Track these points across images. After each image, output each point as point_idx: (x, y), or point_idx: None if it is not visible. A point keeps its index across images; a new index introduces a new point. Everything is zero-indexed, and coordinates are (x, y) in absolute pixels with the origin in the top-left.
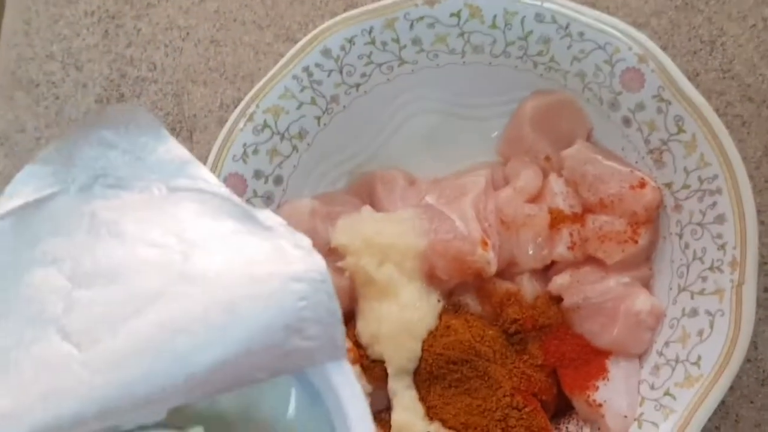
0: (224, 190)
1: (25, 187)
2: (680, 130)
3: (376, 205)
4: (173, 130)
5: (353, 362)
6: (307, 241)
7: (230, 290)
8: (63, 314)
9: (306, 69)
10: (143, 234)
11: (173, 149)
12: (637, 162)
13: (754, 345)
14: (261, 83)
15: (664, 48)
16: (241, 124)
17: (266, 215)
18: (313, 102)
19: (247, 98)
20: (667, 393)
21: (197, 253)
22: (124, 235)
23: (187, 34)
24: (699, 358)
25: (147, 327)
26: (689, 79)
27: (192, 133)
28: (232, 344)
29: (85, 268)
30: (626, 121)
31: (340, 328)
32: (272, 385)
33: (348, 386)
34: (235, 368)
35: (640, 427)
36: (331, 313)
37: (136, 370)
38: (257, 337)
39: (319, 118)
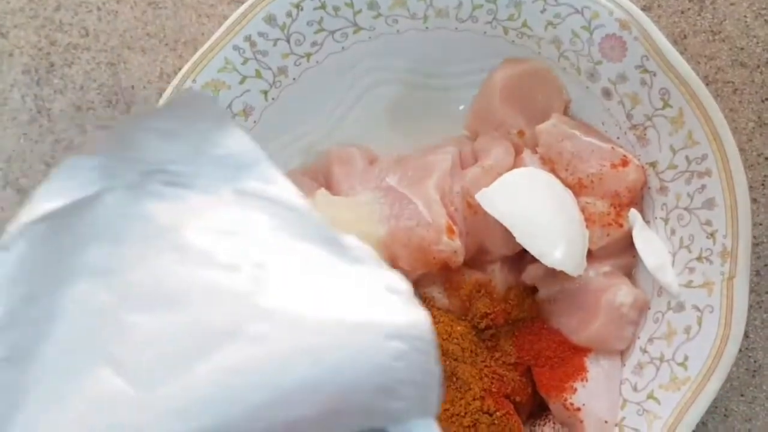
0: (302, 203)
1: (65, 184)
2: (666, 105)
3: (332, 188)
4: (109, 103)
5: None
6: (405, 286)
7: (317, 337)
8: (115, 342)
9: (248, 38)
10: (210, 250)
11: (243, 143)
12: (618, 138)
13: (745, 334)
14: (197, 55)
15: (648, 8)
16: None
17: (354, 243)
18: (258, 75)
19: (181, 72)
20: (651, 396)
21: (275, 284)
22: (186, 248)
23: None
24: (686, 358)
25: (217, 372)
26: (676, 42)
27: (129, 106)
28: (314, 402)
29: (140, 286)
30: (607, 94)
31: (437, 391)
32: None
33: None
34: (314, 427)
35: None
36: (430, 375)
37: (202, 421)
38: (343, 396)
39: (266, 93)
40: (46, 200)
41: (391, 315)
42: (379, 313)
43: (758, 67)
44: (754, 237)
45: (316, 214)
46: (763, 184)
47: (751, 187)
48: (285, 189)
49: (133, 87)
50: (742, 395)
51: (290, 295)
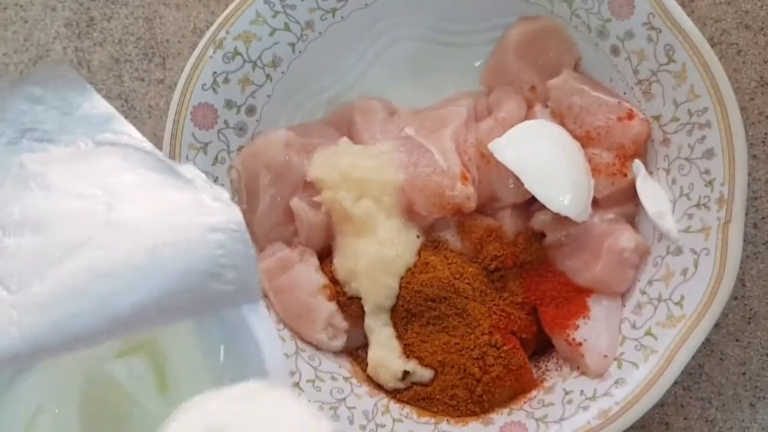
0: (147, 145)
1: None
2: (670, 60)
3: (354, 137)
4: (145, 56)
5: (330, 298)
6: (225, 194)
7: (153, 237)
8: None
9: None
10: (69, 186)
11: (98, 105)
12: (625, 93)
13: (741, 282)
14: (231, 8)
15: None
16: (210, 52)
17: (187, 169)
18: (287, 28)
19: (216, 24)
20: (648, 333)
21: (121, 204)
22: (51, 186)
23: None
24: (682, 297)
25: (73, 271)
26: (683, 4)
27: (165, 59)
28: (153, 288)
29: (14, 216)
30: (615, 50)
31: (256, 274)
32: (205, 337)
33: (262, 327)
34: (157, 310)
35: (620, 367)
36: (248, 260)
37: (63, 311)
38: (177, 282)
39: (293, 45)
40: None
41: (213, 215)
42: (204, 215)
43: (762, 29)
44: (753, 191)
45: (158, 152)
46: (763, 141)
47: (751, 144)
48: (134, 136)
49: (167, 41)
50: (737, 340)
51: (134, 212)
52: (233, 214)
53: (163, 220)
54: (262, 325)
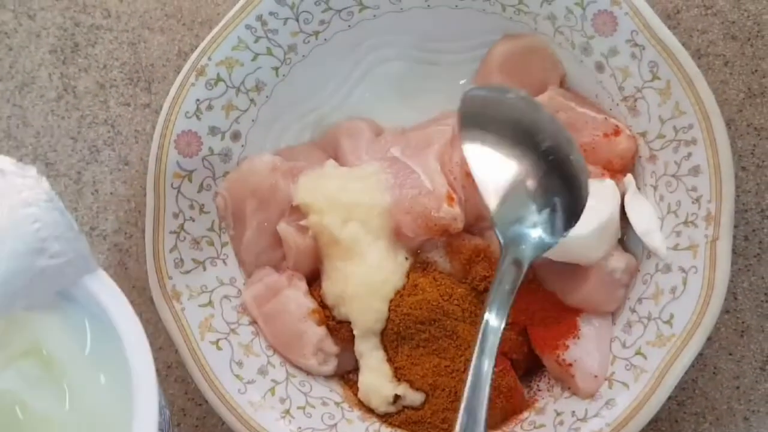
0: None
1: None
2: (654, 77)
3: (340, 159)
4: (130, 81)
5: (319, 323)
6: (32, 170)
7: None
8: None
9: (260, 18)
10: None
11: None
12: (611, 109)
13: (733, 295)
14: (212, 34)
15: None
16: (192, 79)
17: None
18: (270, 52)
19: (197, 51)
20: (638, 352)
21: None
22: None
23: None
24: (671, 316)
25: None
26: (669, 16)
27: (150, 83)
28: None
29: None
30: (599, 67)
31: (82, 240)
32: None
33: (107, 292)
34: None
35: (611, 387)
36: (69, 228)
37: None
38: (3, 265)
39: (277, 69)
40: None
41: (23, 192)
42: (13, 194)
43: (749, 40)
44: (743, 203)
45: None
46: (752, 153)
47: (740, 156)
48: None
49: (152, 65)
50: (730, 354)
51: None
52: (41, 186)
53: None
54: (106, 289)
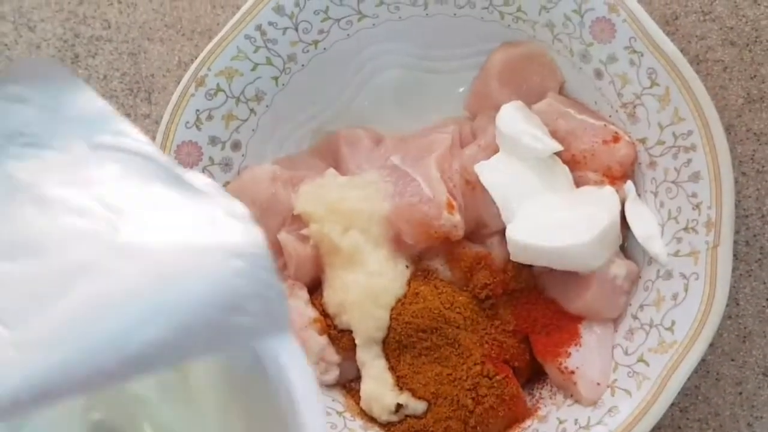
0: (150, 149)
1: None
2: (653, 84)
3: (340, 167)
4: (131, 91)
5: (320, 332)
6: (243, 210)
7: (163, 264)
8: None
9: (259, 27)
10: (66, 200)
11: (93, 101)
12: (610, 116)
13: (735, 301)
14: (211, 44)
15: None
16: (192, 89)
17: (195, 177)
18: (269, 62)
19: (197, 62)
20: (640, 359)
21: (125, 222)
22: (45, 200)
23: None
24: (673, 323)
25: (77, 304)
26: (667, 22)
27: (150, 94)
28: (167, 323)
29: (3, 237)
30: (598, 74)
31: (283, 303)
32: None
33: (294, 363)
34: (172, 347)
35: (613, 394)
36: (272, 288)
37: (68, 351)
38: (193, 316)
39: (276, 79)
40: None
41: (231, 236)
42: (219, 236)
43: (747, 45)
44: (744, 209)
45: (163, 157)
46: (752, 158)
47: (740, 161)
48: (135, 139)
49: (153, 75)
50: (732, 360)
51: (140, 231)
52: (253, 234)
53: (174, 242)
54: (293, 359)
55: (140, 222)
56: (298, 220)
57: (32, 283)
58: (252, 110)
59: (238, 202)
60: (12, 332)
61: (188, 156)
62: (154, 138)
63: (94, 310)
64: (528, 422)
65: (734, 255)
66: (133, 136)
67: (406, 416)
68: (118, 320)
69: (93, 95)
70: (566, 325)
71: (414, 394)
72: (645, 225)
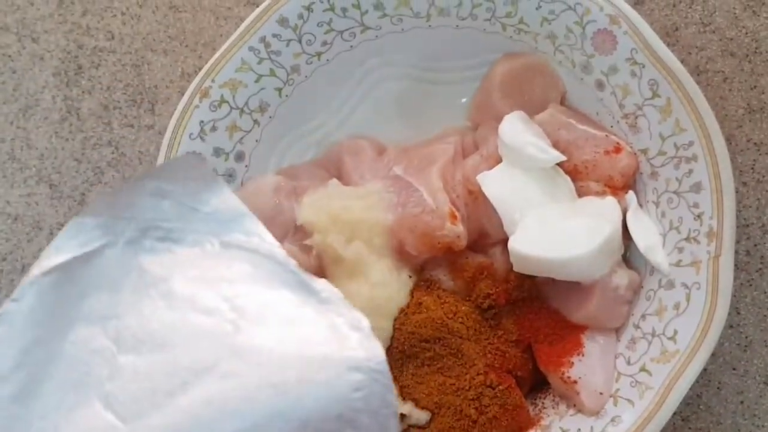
0: (280, 252)
1: (71, 241)
2: (655, 95)
3: (343, 177)
4: (134, 102)
5: None
6: (365, 323)
7: (283, 371)
8: (107, 380)
9: (263, 40)
10: (194, 297)
11: (228, 200)
12: (612, 126)
13: (736, 310)
14: (216, 56)
15: (641, 2)
16: (196, 101)
17: (323, 286)
18: (273, 74)
19: (201, 73)
20: (643, 369)
21: (250, 325)
22: (173, 296)
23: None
24: (675, 332)
25: (194, 404)
26: (668, 34)
27: (153, 105)
28: (280, 431)
29: (132, 330)
30: (600, 85)
31: (394, 421)
32: None
33: None
34: None
35: (615, 404)
36: (387, 405)
37: None
38: (307, 425)
39: (280, 90)
40: (54, 255)
41: (352, 350)
42: (340, 349)
43: (747, 56)
44: (744, 218)
45: (292, 261)
46: (752, 168)
47: (741, 171)
48: (265, 239)
49: (156, 86)
50: (734, 369)
51: (262, 336)
52: (374, 350)
53: (295, 349)
54: None
55: (262, 326)
56: (301, 231)
57: (154, 379)
58: (256, 121)
59: (361, 314)
60: (126, 425)
61: None
62: (158, 147)
63: (209, 413)
64: None
65: (735, 264)
66: (265, 237)
67: (410, 426)
68: (232, 424)
69: (230, 194)
70: (569, 335)
71: (417, 404)
72: (647, 235)
